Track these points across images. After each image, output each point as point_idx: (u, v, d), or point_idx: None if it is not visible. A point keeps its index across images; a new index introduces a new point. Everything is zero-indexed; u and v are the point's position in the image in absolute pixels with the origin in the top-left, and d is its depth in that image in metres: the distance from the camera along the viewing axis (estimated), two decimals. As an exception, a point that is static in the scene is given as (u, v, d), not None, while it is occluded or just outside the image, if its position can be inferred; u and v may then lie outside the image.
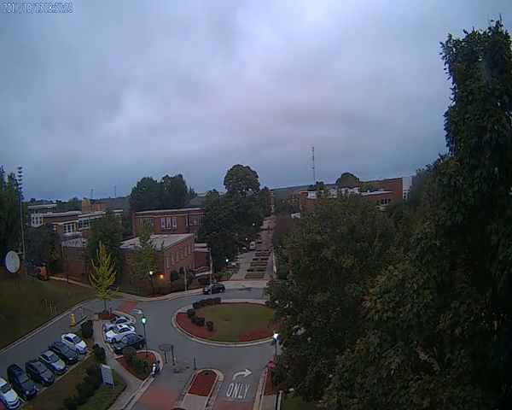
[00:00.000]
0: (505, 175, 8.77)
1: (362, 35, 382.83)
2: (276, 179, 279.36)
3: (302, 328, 22.94)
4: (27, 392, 28.96)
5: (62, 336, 37.95)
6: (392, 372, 8.94)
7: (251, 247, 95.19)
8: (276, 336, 25.55)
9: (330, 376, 17.87)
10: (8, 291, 46.90)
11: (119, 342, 38.11)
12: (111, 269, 47.80)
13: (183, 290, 54.20)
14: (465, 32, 9.66)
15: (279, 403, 27.59)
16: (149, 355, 35.84)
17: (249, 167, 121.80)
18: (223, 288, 57.82)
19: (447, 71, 9.64)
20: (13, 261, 59.89)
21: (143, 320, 38.95)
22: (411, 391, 8.78)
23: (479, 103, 8.56)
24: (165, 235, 73.15)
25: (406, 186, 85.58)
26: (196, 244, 75.84)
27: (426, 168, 68.25)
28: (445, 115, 9.62)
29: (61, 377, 32.25)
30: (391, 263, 13.70)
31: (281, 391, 26.44)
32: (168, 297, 55.76)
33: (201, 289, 56.93)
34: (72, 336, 38.01)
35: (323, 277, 21.38)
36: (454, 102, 9.53)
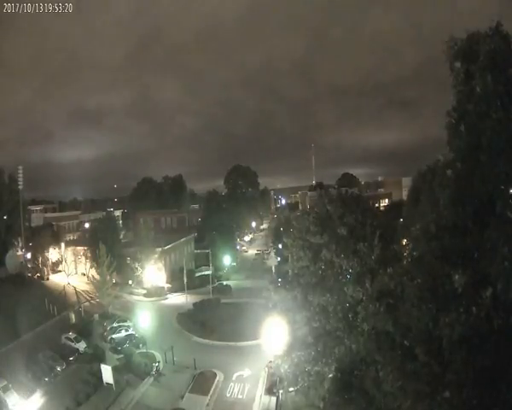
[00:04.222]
0: (505, 175, 8.75)
1: None
2: (276, 179, 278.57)
3: (302, 328, 22.90)
4: (28, 392, 28.96)
5: (62, 336, 37.96)
6: (390, 376, 8.95)
7: (250, 245, 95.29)
8: (275, 336, 25.49)
9: (330, 376, 17.87)
10: (8, 291, 46.98)
11: (119, 341, 38.11)
12: (111, 269, 47.81)
13: (183, 290, 54.15)
14: (466, 31, 9.65)
15: (279, 403, 27.58)
16: (149, 355, 35.84)
17: (249, 167, 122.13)
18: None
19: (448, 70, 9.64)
20: (13, 261, 60.06)
21: (143, 320, 39.02)
22: (409, 391, 8.78)
23: (479, 103, 8.55)
24: (166, 235, 73.08)
25: (406, 186, 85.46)
26: (196, 244, 75.81)
27: (426, 168, 68.00)
28: (445, 115, 9.60)
29: (61, 376, 32.24)
30: (391, 263, 13.70)
31: (281, 391, 26.43)
32: (168, 297, 55.78)
33: (202, 289, 56.85)
34: (72, 335, 38.00)
35: (323, 277, 21.36)
36: (454, 102, 9.52)
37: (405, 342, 9.12)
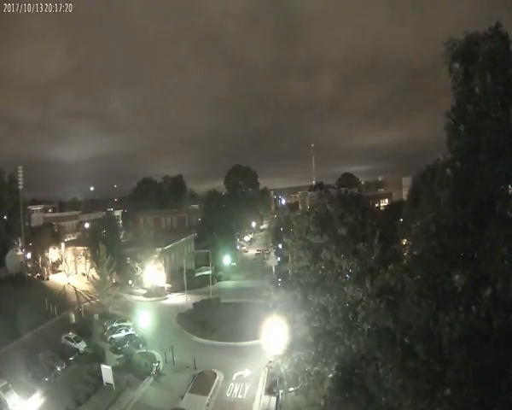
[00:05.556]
0: (505, 175, 8.77)
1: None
2: (276, 179, 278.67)
3: (302, 328, 22.92)
4: (28, 392, 28.95)
5: (62, 336, 37.96)
6: (390, 373, 8.96)
7: (250, 245, 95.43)
8: (275, 336, 25.53)
9: (330, 376, 17.90)
10: (8, 291, 47.00)
11: (119, 341, 38.12)
12: (111, 269, 47.83)
13: (183, 290, 54.22)
14: (465, 32, 9.67)
15: (279, 403, 27.59)
16: (149, 355, 35.85)
17: (249, 168, 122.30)
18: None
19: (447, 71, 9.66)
20: (13, 261, 60.12)
21: (143, 320, 39.04)
22: (410, 389, 8.80)
23: (478, 103, 8.56)
24: (166, 235, 73.06)
25: (406, 186, 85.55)
26: (196, 244, 75.83)
27: (426, 168, 68.00)
28: (444, 115, 9.62)
29: (61, 376, 32.25)
30: (391, 263, 13.71)
31: (281, 391, 26.44)
32: (168, 297, 55.80)
33: (202, 289, 56.85)
34: (72, 335, 38.00)
35: (323, 277, 21.38)
36: (454, 103, 9.54)
37: (406, 339, 9.14)
